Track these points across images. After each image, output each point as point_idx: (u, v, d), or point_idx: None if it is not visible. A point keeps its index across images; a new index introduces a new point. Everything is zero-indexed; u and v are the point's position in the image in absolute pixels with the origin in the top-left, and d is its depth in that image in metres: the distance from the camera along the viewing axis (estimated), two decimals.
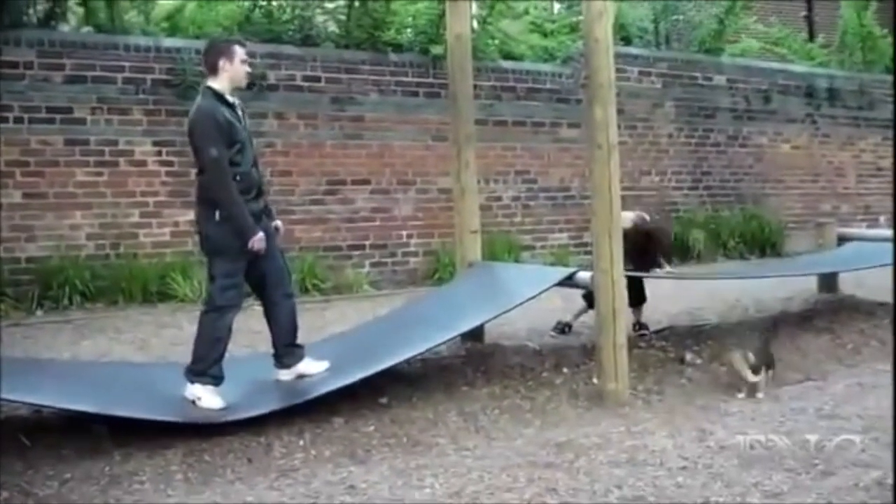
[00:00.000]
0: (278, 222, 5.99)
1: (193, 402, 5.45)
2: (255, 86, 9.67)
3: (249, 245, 5.46)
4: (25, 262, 9.00)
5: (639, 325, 7.64)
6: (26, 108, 9.05)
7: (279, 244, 5.96)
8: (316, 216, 10.42)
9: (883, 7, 16.52)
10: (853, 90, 15.19)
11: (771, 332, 6.58)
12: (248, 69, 5.74)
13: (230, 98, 5.59)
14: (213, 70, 5.58)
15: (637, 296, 7.53)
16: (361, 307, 8.96)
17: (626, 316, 6.31)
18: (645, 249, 7.38)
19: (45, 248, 9.08)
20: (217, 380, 5.50)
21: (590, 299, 7.24)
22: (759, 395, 5.88)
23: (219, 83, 5.57)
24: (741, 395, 5.94)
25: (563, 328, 7.57)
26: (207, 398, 5.44)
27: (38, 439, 5.03)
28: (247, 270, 5.66)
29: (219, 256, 5.55)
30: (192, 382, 5.49)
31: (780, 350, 6.84)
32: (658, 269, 7.66)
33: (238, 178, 5.49)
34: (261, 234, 5.51)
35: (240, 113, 5.64)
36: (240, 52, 5.64)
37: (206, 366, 5.49)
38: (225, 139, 5.43)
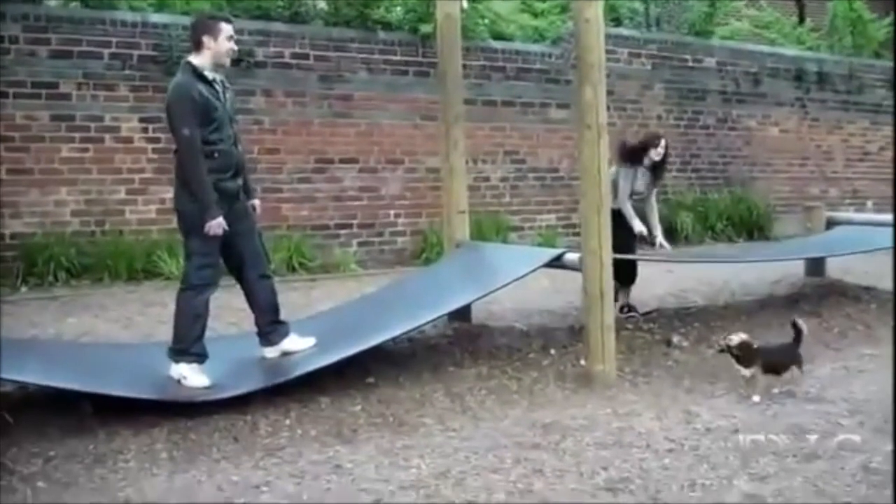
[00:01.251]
0: (256, 201, 5.95)
1: (179, 381, 5.43)
2: (242, 62, 9.65)
3: (206, 228, 5.39)
4: (10, 238, 8.95)
5: (627, 308, 7.62)
6: (11, 82, 8.97)
7: (257, 224, 5.91)
8: (303, 195, 10.37)
9: None
10: (842, 74, 15.21)
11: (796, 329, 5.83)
12: (232, 46, 5.65)
13: (209, 74, 5.51)
14: (198, 46, 5.53)
15: (628, 275, 7.54)
16: (348, 286, 8.94)
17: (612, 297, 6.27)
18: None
19: (30, 225, 9.03)
20: (200, 357, 5.49)
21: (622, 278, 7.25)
22: (755, 398, 5.50)
23: (200, 59, 5.51)
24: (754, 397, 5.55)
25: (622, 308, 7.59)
26: (193, 377, 5.42)
27: (22, 417, 5.00)
28: (225, 252, 5.64)
29: (194, 234, 5.50)
30: (177, 362, 5.47)
31: (767, 334, 6.85)
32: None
33: (215, 154, 5.44)
34: (219, 221, 5.41)
35: (219, 90, 5.55)
36: (226, 28, 5.57)
37: (187, 344, 5.47)
38: (200, 117, 5.37)
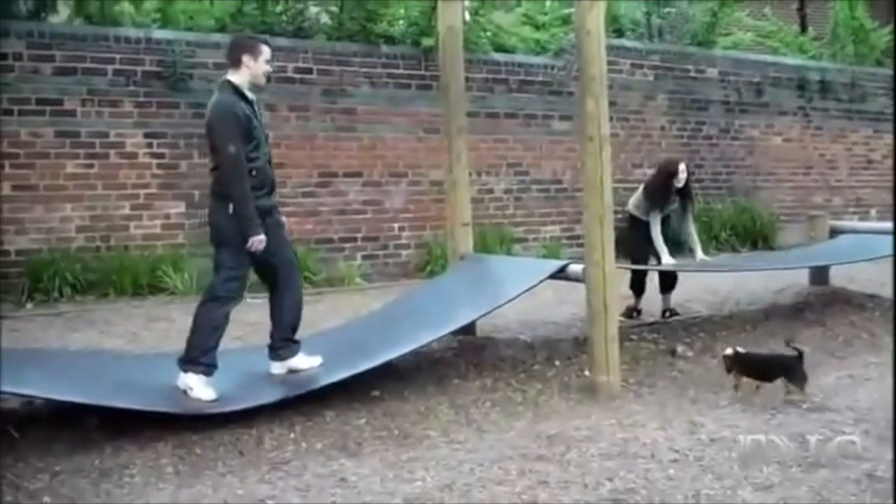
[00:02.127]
0: (282, 217, 6.02)
1: (185, 391, 5.45)
2: None
3: (249, 244, 5.47)
4: (15, 254, 8.97)
5: (669, 312, 7.71)
6: (16, 100, 9.01)
7: (289, 239, 6.02)
8: (307, 209, 10.40)
9: (874, 1, 16.53)
10: (845, 83, 15.20)
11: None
12: (269, 69, 5.77)
13: (248, 94, 5.63)
14: (236, 64, 5.61)
15: (671, 281, 7.68)
16: (353, 300, 8.95)
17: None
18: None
19: (35, 241, 9.05)
20: (209, 368, 5.51)
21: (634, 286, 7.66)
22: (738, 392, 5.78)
23: (239, 77, 5.61)
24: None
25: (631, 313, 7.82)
26: (199, 389, 5.44)
27: (28, 432, 5.01)
28: (260, 267, 5.75)
29: (226, 248, 5.58)
30: (185, 371, 5.49)
31: (771, 342, 6.85)
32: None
33: (253, 173, 5.52)
34: (262, 237, 5.52)
35: (256, 108, 5.67)
36: (266, 51, 5.70)
37: (199, 353, 5.49)
38: (243, 135, 5.46)
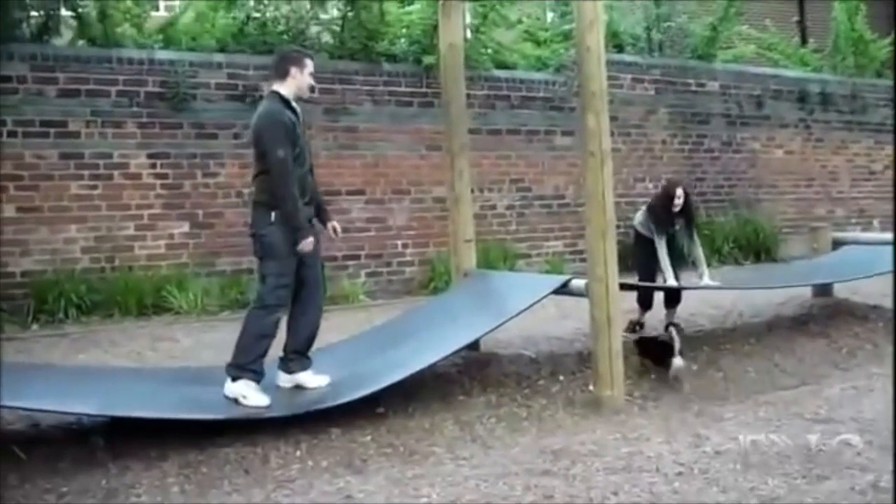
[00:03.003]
0: (335, 223, 6.17)
1: (236, 400, 5.53)
2: (247, 97, 9.74)
3: (300, 245, 5.60)
4: (20, 276, 8.98)
5: (672, 326, 7.71)
6: (20, 122, 9.04)
7: (321, 253, 6.07)
8: None
9: (874, 12, 16.58)
10: (845, 94, 15.22)
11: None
12: (312, 82, 5.91)
13: (294, 104, 5.76)
14: (283, 76, 5.76)
15: (676, 295, 7.70)
16: (357, 317, 8.95)
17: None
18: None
19: (39, 262, 9.07)
20: (258, 375, 5.61)
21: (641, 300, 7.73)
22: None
23: (285, 88, 5.75)
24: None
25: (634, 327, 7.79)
26: (252, 396, 5.54)
27: (34, 452, 5.03)
28: None
29: (272, 258, 5.68)
30: (235, 379, 5.57)
31: (776, 354, 6.86)
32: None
33: (296, 181, 5.63)
34: (311, 238, 5.67)
35: (300, 119, 5.79)
36: (310, 64, 5.86)
37: (248, 360, 5.59)
38: (290, 142, 5.58)
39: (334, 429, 5.44)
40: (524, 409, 5.93)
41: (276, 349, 5.94)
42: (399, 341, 6.70)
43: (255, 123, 5.73)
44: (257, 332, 5.64)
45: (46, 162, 9.18)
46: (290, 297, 5.81)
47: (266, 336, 5.66)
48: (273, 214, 5.61)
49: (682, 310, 8.15)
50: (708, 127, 13.69)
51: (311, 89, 6.05)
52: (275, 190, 5.59)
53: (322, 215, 6.11)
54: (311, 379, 5.94)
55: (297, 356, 5.96)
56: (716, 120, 13.78)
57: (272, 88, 5.82)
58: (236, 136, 9.83)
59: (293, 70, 5.75)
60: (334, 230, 6.10)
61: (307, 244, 5.64)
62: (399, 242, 11.01)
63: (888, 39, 16.02)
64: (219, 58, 10.01)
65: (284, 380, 5.94)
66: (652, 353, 6.80)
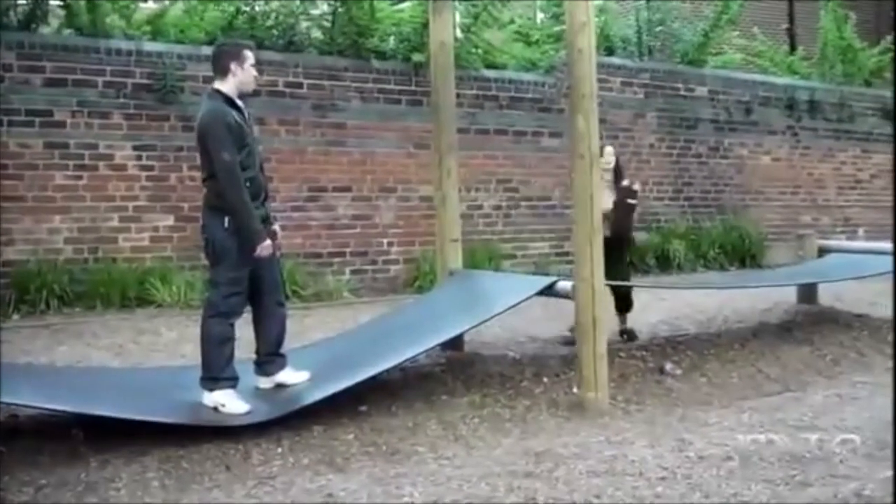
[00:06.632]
0: (276, 227, 5.96)
1: (216, 408, 5.43)
2: None
3: (257, 251, 5.45)
4: (2, 265, 8.91)
5: (625, 333, 7.65)
6: (5, 110, 8.98)
7: (278, 252, 5.95)
8: (297, 223, 10.37)
9: (862, 20, 16.65)
10: (833, 102, 15.29)
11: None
12: (256, 74, 5.73)
13: (237, 101, 5.58)
14: (224, 72, 5.55)
15: (624, 302, 7.58)
16: (342, 314, 8.92)
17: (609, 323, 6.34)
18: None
19: (22, 252, 9.01)
20: (233, 381, 5.50)
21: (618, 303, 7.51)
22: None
23: (227, 86, 5.55)
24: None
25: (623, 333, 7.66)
26: (231, 403, 5.43)
27: (13, 445, 4.98)
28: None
29: (224, 263, 5.52)
30: (211, 390, 5.46)
31: (760, 360, 6.86)
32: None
33: (247, 183, 5.47)
34: (268, 242, 5.53)
35: (246, 116, 5.62)
36: (250, 56, 5.65)
37: (218, 370, 5.47)
38: (235, 142, 5.41)
39: (316, 426, 5.41)
40: (508, 410, 5.91)
41: (244, 350, 5.91)
42: (382, 338, 6.69)
43: (198, 126, 5.51)
44: (217, 340, 5.48)
45: (31, 151, 9.11)
46: (243, 305, 5.64)
47: (226, 340, 5.50)
48: (227, 220, 5.42)
49: (667, 313, 8.17)
50: (696, 132, 13.72)
51: (256, 81, 5.78)
52: (225, 196, 5.41)
53: (267, 218, 5.83)
54: (292, 376, 5.88)
55: (270, 357, 5.86)
56: (704, 125, 13.82)
57: (213, 87, 5.59)
58: None
59: (233, 65, 5.52)
60: (274, 233, 5.82)
61: (264, 248, 5.48)
62: (385, 240, 10.98)
63: (877, 49, 16.11)
64: (207, 51, 9.86)
65: (264, 381, 5.87)
66: None
